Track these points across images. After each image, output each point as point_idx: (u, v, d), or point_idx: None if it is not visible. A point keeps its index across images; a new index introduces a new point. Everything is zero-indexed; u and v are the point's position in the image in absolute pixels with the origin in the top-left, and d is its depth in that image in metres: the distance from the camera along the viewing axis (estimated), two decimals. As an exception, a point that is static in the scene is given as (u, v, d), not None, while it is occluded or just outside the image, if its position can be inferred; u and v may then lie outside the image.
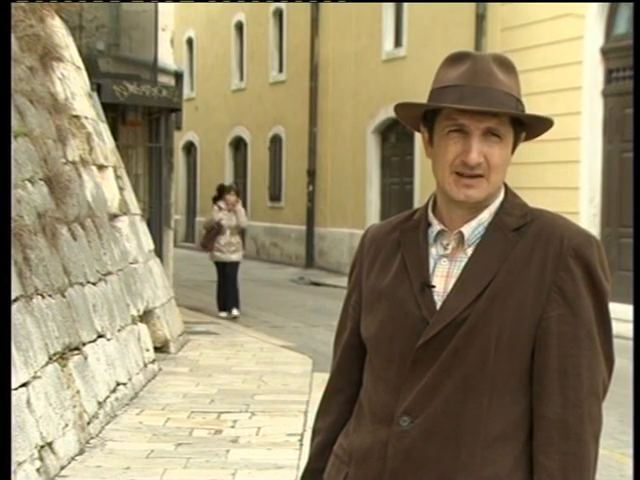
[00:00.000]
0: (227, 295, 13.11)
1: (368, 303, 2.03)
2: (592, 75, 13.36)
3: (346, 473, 2.01)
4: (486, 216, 1.96)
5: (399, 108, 2.01)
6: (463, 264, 1.94)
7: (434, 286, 1.94)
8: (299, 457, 5.85)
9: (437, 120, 1.93)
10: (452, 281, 1.93)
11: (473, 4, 15.58)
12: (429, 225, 2.00)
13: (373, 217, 18.78)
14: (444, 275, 1.95)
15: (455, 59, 1.94)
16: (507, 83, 1.91)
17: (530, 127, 1.98)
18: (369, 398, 2.01)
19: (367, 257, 2.08)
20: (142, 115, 12.93)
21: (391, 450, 1.91)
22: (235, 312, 12.92)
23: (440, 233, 1.98)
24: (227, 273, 13.20)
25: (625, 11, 13.06)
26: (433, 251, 1.98)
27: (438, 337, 1.89)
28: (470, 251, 1.94)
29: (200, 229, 13.44)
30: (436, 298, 1.93)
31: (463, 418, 1.88)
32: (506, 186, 2.01)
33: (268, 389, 8.09)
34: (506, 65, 1.94)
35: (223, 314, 12.92)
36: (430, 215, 2.00)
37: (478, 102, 1.87)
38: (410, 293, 1.95)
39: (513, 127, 1.92)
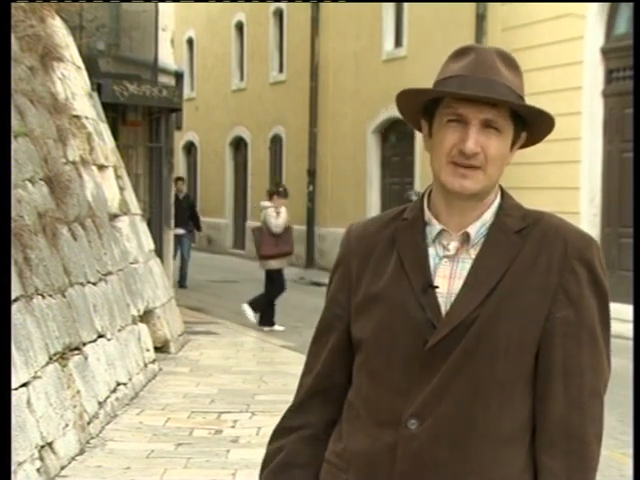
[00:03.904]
0: (271, 306, 12.13)
1: (362, 304, 1.98)
2: (592, 75, 13.36)
3: None
4: (488, 217, 1.95)
5: (401, 97, 1.99)
6: (467, 265, 1.92)
7: (437, 287, 1.91)
8: (299, 457, 5.84)
9: (437, 110, 1.93)
10: (456, 282, 1.91)
11: (473, 4, 15.58)
12: (425, 224, 1.97)
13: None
14: (447, 276, 1.92)
15: (460, 52, 1.94)
16: (509, 78, 1.90)
17: (531, 126, 1.96)
18: (366, 401, 1.96)
19: (356, 256, 2.03)
20: (142, 115, 12.94)
21: (400, 453, 1.88)
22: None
23: (440, 233, 1.95)
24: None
25: (625, 11, 13.06)
26: (432, 251, 1.95)
27: (447, 339, 1.87)
28: (473, 252, 1.93)
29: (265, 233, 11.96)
30: (440, 299, 1.90)
31: (472, 420, 1.86)
32: (501, 187, 2.00)
33: (268, 389, 8.10)
34: (509, 61, 1.93)
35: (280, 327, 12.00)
36: (427, 214, 1.98)
37: (479, 91, 1.86)
38: (410, 294, 1.91)
39: (513, 122, 1.91)
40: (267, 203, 12.15)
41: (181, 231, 16.59)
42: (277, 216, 11.91)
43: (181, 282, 16.63)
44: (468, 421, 1.86)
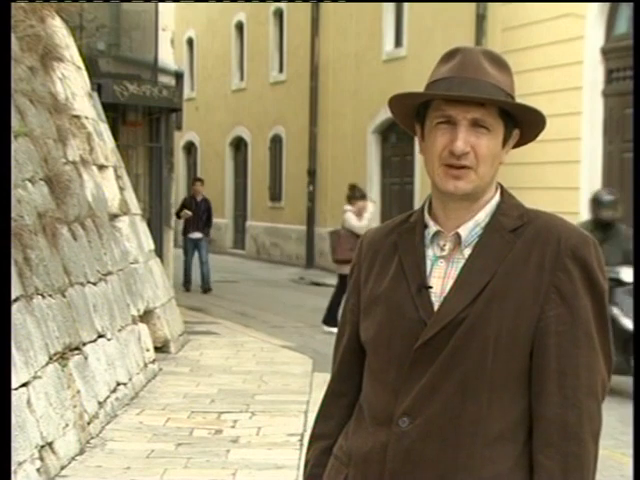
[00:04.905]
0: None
1: (366, 307, 2.03)
2: (592, 75, 13.35)
3: (345, 474, 2.01)
4: (482, 217, 1.96)
5: (393, 102, 2.02)
6: (460, 265, 1.94)
7: (431, 287, 1.94)
8: (299, 457, 5.85)
9: (427, 113, 1.95)
10: (449, 282, 1.93)
11: (473, 4, 15.57)
12: (425, 226, 2.00)
13: (373, 217, 18.77)
14: (441, 276, 1.95)
15: (448, 55, 1.97)
16: (496, 77, 1.92)
17: (523, 124, 1.97)
18: (368, 400, 2.01)
19: (365, 261, 2.09)
20: (142, 115, 12.94)
21: (390, 451, 1.91)
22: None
23: (436, 234, 1.98)
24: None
25: (625, 11, 13.05)
26: (430, 252, 1.98)
27: (436, 338, 1.89)
28: (467, 252, 1.94)
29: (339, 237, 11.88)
30: (433, 299, 1.93)
31: (462, 419, 1.88)
32: (502, 187, 2.01)
33: (268, 389, 8.10)
34: (497, 60, 1.95)
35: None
36: (426, 216, 2.01)
37: (465, 91, 1.88)
38: (408, 295, 1.95)
39: (503, 121, 1.92)
40: (347, 207, 12.19)
41: (198, 235, 16.41)
42: (359, 218, 11.88)
43: (204, 285, 16.09)
44: (458, 419, 1.88)
